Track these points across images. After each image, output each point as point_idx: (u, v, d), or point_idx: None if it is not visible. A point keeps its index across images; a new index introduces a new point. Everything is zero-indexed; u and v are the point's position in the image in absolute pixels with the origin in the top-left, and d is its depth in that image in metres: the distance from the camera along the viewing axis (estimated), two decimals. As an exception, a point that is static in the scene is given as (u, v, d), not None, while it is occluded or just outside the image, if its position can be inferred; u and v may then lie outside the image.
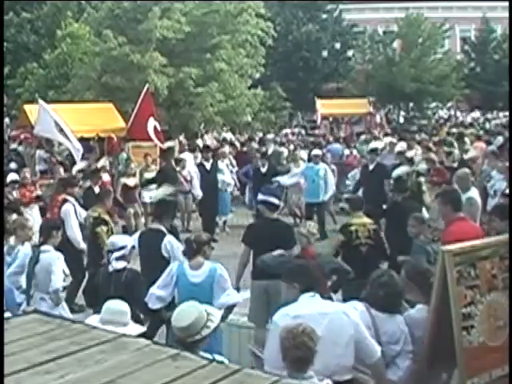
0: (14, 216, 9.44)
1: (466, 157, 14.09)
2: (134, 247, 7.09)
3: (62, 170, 13.57)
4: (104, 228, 8.67)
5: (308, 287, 4.87)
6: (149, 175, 14.21)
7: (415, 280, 5.33)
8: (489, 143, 17.13)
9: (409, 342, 5.03)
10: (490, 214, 7.34)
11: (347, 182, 15.97)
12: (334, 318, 4.69)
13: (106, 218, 8.91)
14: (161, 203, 8.26)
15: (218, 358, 4.34)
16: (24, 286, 7.26)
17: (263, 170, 14.39)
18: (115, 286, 6.45)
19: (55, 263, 7.07)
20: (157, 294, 6.53)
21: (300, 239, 7.16)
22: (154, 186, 12.91)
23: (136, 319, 6.21)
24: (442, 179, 12.38)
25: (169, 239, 7.59)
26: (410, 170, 12.27)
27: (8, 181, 12.05)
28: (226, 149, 18.02)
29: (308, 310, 4.72)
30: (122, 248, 6.71)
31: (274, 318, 4.91)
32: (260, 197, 8.15)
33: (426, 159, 13.68)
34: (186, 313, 4.53)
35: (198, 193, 14.10)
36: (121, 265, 6.64)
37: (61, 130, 14.14)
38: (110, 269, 6.67)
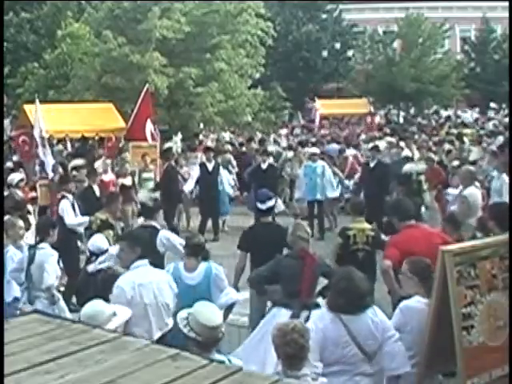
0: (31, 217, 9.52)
1: (470, 159, 14.14)
2: None
3: (60, 169, 13.52)
4: (111, 232, 8.66)
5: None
6: (147, 175, 14.27)
7: (418, 275, 5.30)
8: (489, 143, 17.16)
9: (388, 329, 4.89)
10: (487, 213, 7.17)
11: (347, 183, 15.80)
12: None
13: (113, 223, 8.92)
14: (147, 204, 8.33)
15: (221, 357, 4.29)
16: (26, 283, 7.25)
17: (264, 166, 14.38)
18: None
19: (48, 261, 7.06)
20: None
21: (297, 242, 6.90)
22: (151, 186, 13.38)
23: None
24: (437, 179, 12.40)
25: (163, 233, 7.64)
26: (417, 169, 12.28)
27: (15, 181, 11.96)
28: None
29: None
30: None
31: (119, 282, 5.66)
32: (256, 203, 8.23)
33: (427, 158, 13.70)
34: (213, 312, 4.45)
35: (188, 188, 14.30)
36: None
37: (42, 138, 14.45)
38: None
